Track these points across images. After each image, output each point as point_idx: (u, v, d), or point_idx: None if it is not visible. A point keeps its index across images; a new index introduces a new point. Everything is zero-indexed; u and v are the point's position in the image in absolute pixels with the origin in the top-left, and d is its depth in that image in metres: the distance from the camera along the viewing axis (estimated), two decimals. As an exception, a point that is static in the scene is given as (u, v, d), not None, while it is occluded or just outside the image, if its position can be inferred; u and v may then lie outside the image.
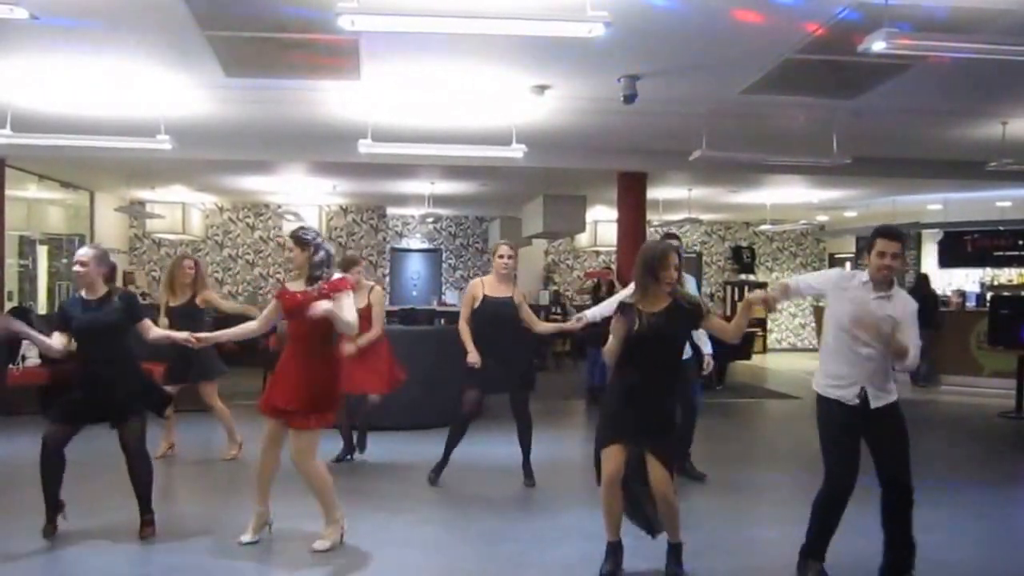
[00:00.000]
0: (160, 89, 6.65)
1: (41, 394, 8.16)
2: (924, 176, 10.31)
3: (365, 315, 5.88)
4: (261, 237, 14.86)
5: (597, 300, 8.87)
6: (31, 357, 8.28)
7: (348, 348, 5.43)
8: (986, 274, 14.11)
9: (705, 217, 15.97)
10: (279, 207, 14.16)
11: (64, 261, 11.87)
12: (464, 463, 6.20)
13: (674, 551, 3.86)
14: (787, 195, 12.55)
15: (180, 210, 13.29)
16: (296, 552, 4.20)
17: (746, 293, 16.65)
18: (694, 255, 17.12)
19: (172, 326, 5.77)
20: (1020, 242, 13.12)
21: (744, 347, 11.39)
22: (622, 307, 3.81)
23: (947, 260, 13.94)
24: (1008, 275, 13.95)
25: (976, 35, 4.82)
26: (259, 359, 9.93)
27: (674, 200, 12.80)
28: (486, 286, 5.46)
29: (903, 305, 3.71)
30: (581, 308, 11.89)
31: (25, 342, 8.27)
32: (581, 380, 10.16)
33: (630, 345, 3.76)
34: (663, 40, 5.45)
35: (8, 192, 9.41)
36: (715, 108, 7.16)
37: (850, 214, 15.24)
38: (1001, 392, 9.83)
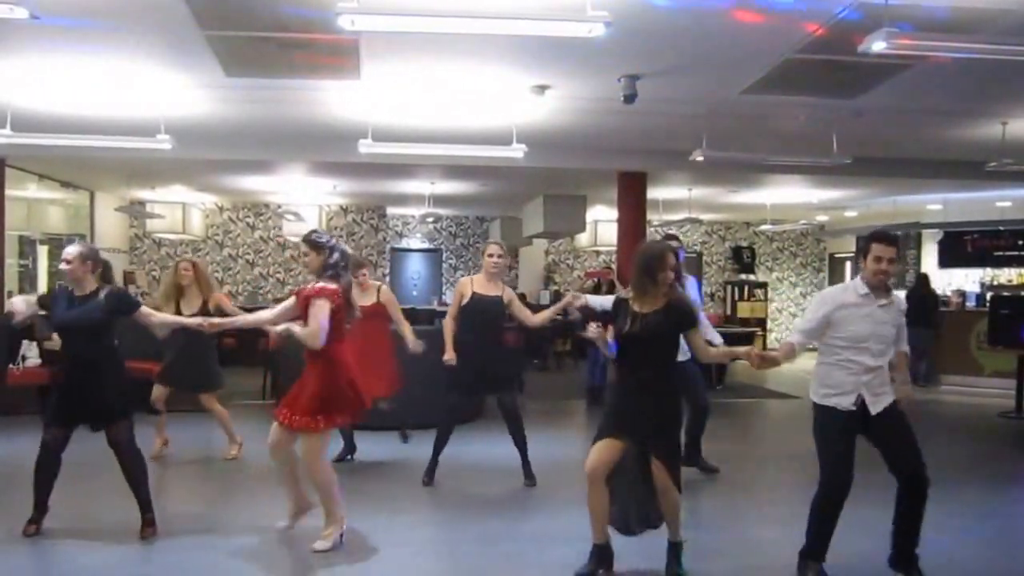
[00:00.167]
0: (160, 89, 6.64)
1: (41, 394, 8.17)
2: (924, 176, 10.30)
3: (372, 311, 5.89)
4: (261, 237, 14.86)
5: (620, 299, 8.85)
6: (31, 357, 8.29)
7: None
8: (986, 274, 14.11)
9: (705, 217, 15.96)
10: (279, 207, 14.15)
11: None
12: (464, 463, 6.21)
13: (675, 550, 3.86)
14: (787, 195, 12.55)
15: (180, 210, 13.29)
16: (296, 552, 4.20)
17: (746, 293, 16.70)
18: (694, 255, 17.11)
19: (184, 334, 5.69)
20: (1020, 242, 13.11)
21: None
22: (617, 305, 3.84)
23: (947, 260, 13.93)
24: (1008, 275, 13.94)
25: (976, 35, 4.82)
26: (259, 359, 9.94)
27: (674, 200, 12.79)
28: (475, 284, 5.46)
29: (900, 307, 3.85)
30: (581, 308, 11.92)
31: (25, 342, 8.30)
32: (581, 380, 10.16)
33: (625, 344, 3.78)
34: (663, 40, 5.45)
35: (8, 192, 9.40)
36: (715, 108, 7.16)
37: (850, 214, 15.24)
38: (1001, 392, 9.83)
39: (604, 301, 5.07)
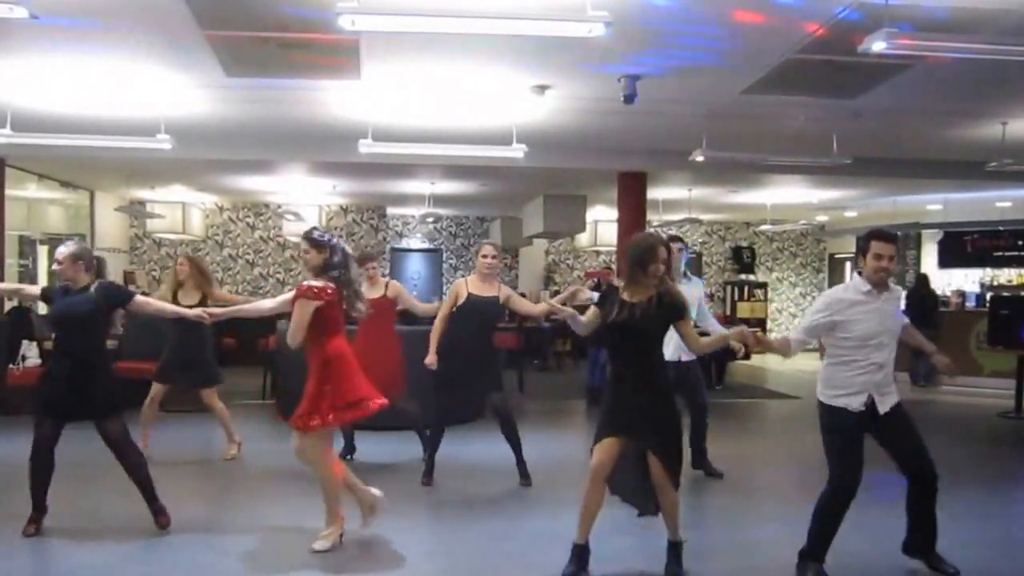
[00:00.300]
0: (160, 89, 6.65)
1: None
2: (924, 176, 10.31)
3: (378, 305, 5.86)
4: (261, 237, 14.86)
5: (611, 287, 8.86)
6: (31, 357, 8.28)
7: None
8: (986, 274, 14.11)
9: (705, 217, 15.97)
10: (279, 207, 14.16)
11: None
12: (463, 463, 6.21)
13: (674, 549, 3.86)
14: (787, 195, 12.55)
15: (180, 210, 13.30)
16: (296, 552, 4.20)
17: (745, 293, 16.72)
18: (694, 255, 17.12)
19: (180, 326, 5.77)
20: (1020, 242, 13.12)
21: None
22: (607, 291, 3.87)
23: (947, 260, 13.94)
24: (1008, 275, 13.95)
25: (976, 35, 4.82)
26: (259, 359, 9.94)
27: (674, 200, 12.80)
28: (470, 285, 5.45)
29: (899, 293, 3.97)
30: (581, 308, 11.91)
31: (25, 342, 8.29)
32: (581, 380, 10.16)
33: (613, 335, 3.80)
34: (663, 40, 5.45)
35: (8, 192, 9.41)
36: (715, 108, 7.16)
37: (850, 214, 15.24)
38: (1001, 392, 9.83)
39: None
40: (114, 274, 13.33)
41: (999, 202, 12.68)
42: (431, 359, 5.37)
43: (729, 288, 17.11)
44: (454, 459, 5.86)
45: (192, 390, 6.38)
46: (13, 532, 4.34)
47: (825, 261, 17.92)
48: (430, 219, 14.74)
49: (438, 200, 13.25)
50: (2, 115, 6.82)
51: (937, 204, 13.57)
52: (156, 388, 6.19)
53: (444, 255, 16.72)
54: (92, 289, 4.36)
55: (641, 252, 3.76)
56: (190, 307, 5.79)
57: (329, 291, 4.09)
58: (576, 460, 6.25)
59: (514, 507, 5.18)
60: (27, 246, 10.88)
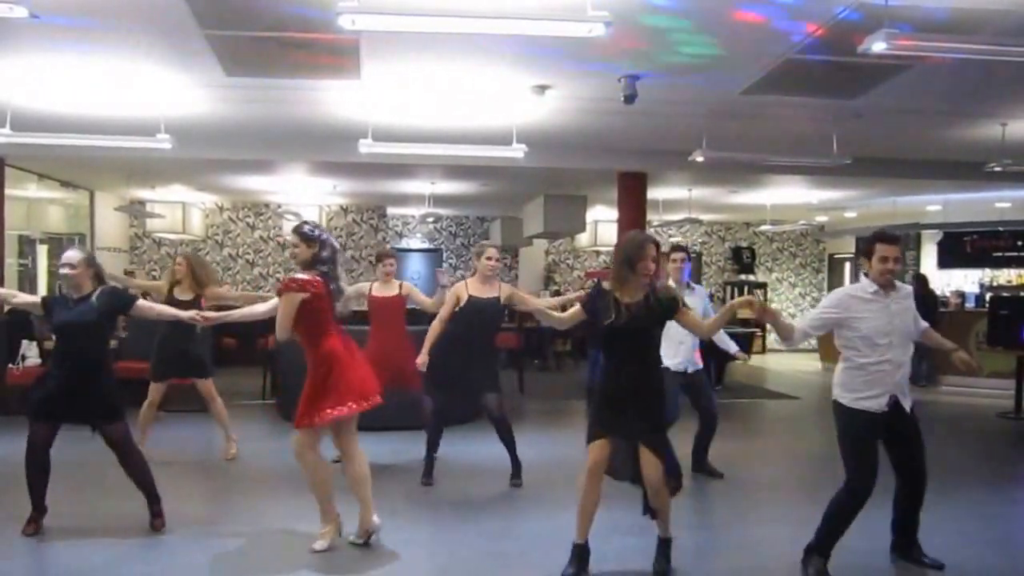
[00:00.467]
0: (160, 89, 6.65)
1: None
2: (924, 177, 10.31)
3: (393, 303, 5.98)
4: (261, 237, 14.86)
5: (599, 285, 8.86)
6: (31, 357, 8.28)
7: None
8: (985, 275, 14.12)
9: (705, 217, 15.97)
10: (279, 207, 14.16)
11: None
12: (462, 463, 6.21)
13: (664, 546, 3.90)
14: (787, 195, 12.55)
15: (180, 209, 13.29)
16: (295, 551, 4.20)
17: (745, 293, 16.74)
18: (694, 255, 17.12)
19: (165, 325, 5.81)
20: (1019, 243, 13.13)
21: (743, 347, 11.39)
22: (596, 291, 3.88)
23: (946, 261, 13.94)
24: (1007, 276, 13.95)
25: (976, 36, 4.83)
26: (259, 359, 9.94)
27: (674, 200, 12.80)
28: (470, 287, 5.46)
29: (908, 291, 3.97)
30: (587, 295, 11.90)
31: (25, 341, 8.29)
32: (581, 380, 10.16)
33: (607, 337, 3.81)
34: (663, 40, 5.45)
35: (8, 191, 9.40)
36: (715, 108, 7.16)
37: (850, 214, 15.24)
38: (1000, 392, 9.84)
39: None
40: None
41: (999, 203, 12.69)
42: (422, 359, 5.38)
43: (729, 288, 17.11)
44: (454, 459, 5.86)
45: (187, 381, 6.38)
46: (13, 532, 4.35)
47: (825, 261, 17.92)
48: (430, 219, 14.74)
49: (438, 200, 13.25)
50: (2, 115, 6.82)
51: (937, 205, 13.58)
52: (154, 390, 6.19)
53: (444, 255, 16.71)
54: (95, 297, 4.37)
55: (629, 250, 3.77)
56: (186, 304, 5.92)
57: (315, 284, 4.06)
58: (576, 460, 6.23)
59: (513, 507, 5.18)
60: (27, 246, 10.88)
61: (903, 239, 15.10)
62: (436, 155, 8.31)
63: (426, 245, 16.69)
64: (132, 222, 14.02)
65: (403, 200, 14.00)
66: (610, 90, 6.36)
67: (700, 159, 7.72)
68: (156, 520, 4.48)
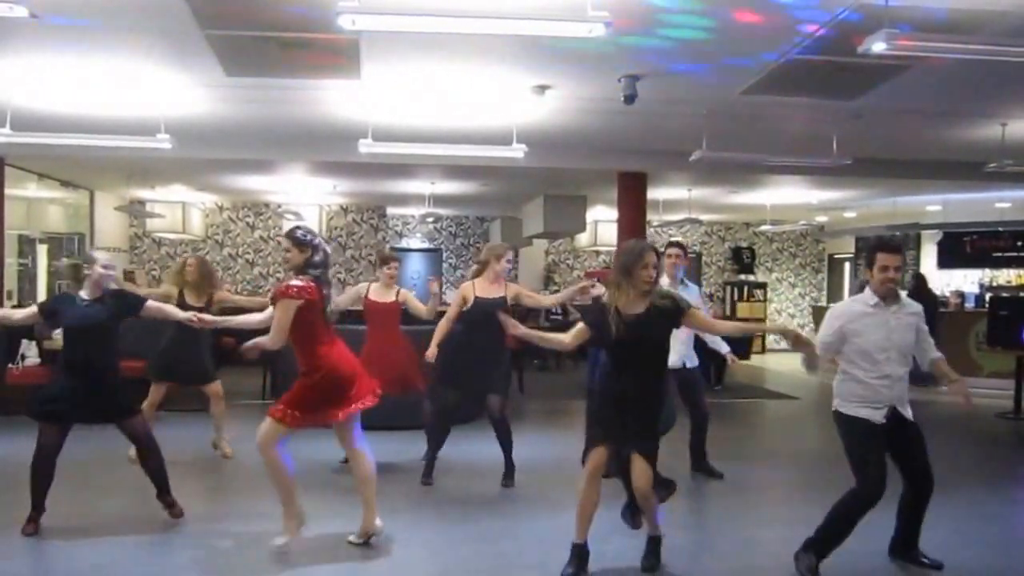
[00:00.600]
0: (160, 88, 6.65)
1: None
2: (924, 177, 10.31)
3: (391, 309, 5.96)
4: (261, 236, 14.86)
5: (597, 300, 8.86)
6: (31, 356, 8.28)
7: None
8: (985, 275, 14.12)
9: (705, 217, 15.98)
10: (279, 207, 14.16)
11: (64, 260, 11.87)
12: (462, 463, 6.21)
13: (653, 543, 3.93)
14: (787, 196, 12.55)
15: (180, 209, 13.29)
16: (294, 551, 4.20)
17: (745, 293, 16.72)
18: (694, 255, 17.13)
19: (177, 325, 5.76)
20: (1019, 243, 13.13)
21: (743, 348, 11.40)
22: (596, 313, 3.82)
23: (946, 261, 13.95)
24: (1007, 276, 13.96)
25: (976, 36, 4.83)
26: (259, 359, 9.93)
27: (674, 200, 12.80)
28: (477, 288, 5.46)
29: (917, 308, 3.95)
30: (581, 308, 11.92)
31: (25, 341, 8.29)
32: (581, 380, 10.16)
33: (612, 348, 3.79)
34: (664, 40, 5.45)
35: (8, 191, 9.40)
36: (715, 108, 7.16)
37: (850, 215, 15.25)
38: (999, 393, 9.83)
39: None
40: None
41: (998, 203, 12.69)
42: (432, 352, 5.38)
43: (729, 288, 17.12)
44: (454, 459, 5.86)
45: (190, 386, 6.39)
46: (13, 532, 4.35)
47: (824, 262, 17.92)
48: (430, 219, 14.75)
49: (438, 200, 13.25)
50: (2, 114, 6.81)
51: (936, 205, 13.58)
52: (155, 390, 6.18)
53: (444, 255, 16.72)
54: (107, 298, 4.44)
55: (628, 258, 3.75)
56: (198, 308, 5.86)
57: (309, 290, 4.06)
58: (575, 460, 6.25)
59: (513, 507, 5.19)
60: (27, 245, 10.88)
61: (904, 246, 15.14)
62: (436, 155, 8.30)
63: (426, 245, 16.69)
64: (132, 222, 14.03)
65: (403, 200, 14.00)
66: (610, 90, 6.36)
67: (700, 159, 7.72)
68: (174, 509, 4.60)
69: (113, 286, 4.57)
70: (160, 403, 6.27)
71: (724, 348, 5.94)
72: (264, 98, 7.08)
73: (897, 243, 3.98)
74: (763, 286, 17.20)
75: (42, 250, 11.29)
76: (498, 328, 5.52)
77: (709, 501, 5.50)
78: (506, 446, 5.58)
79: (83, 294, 4.45)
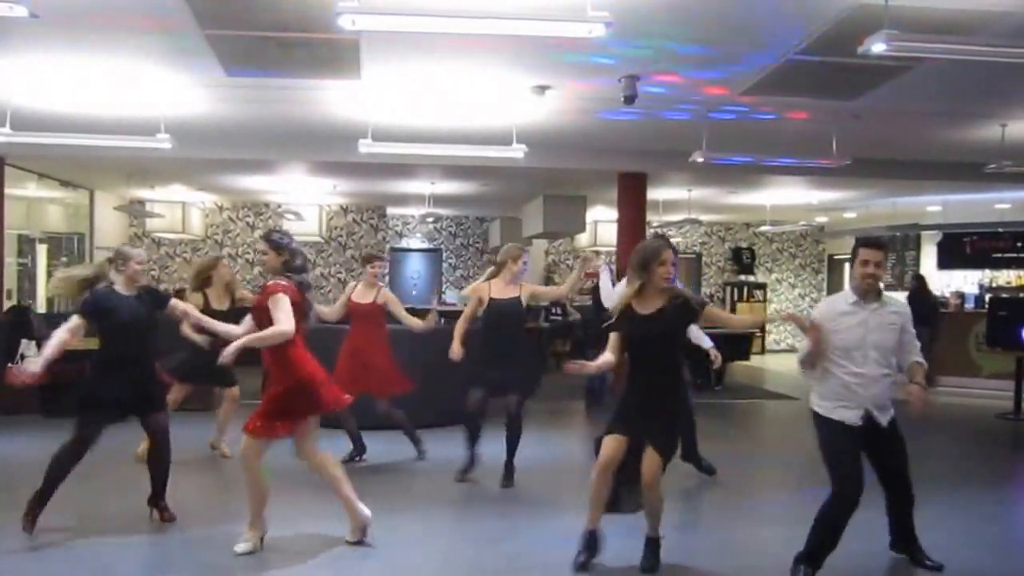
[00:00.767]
0: (160, 88, 6.65)
1: (43, 393, 8.14)
2: (923, 178, 10.31)
3: (370, 310, 5.96)
4: (261, 236, 14.85)
5: (596, 300, 8.87)
6: (30, 356, 8.27)
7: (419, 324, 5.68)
8: (985, 276, 14.12)
9: (705, 218, 15.97)
10: (279, 206, 14.15)
11: (64, 260, 11.88)
12: (462, 463, 6.20)
13: (652, 545, 3.92)
14: (787, 196, 12.55)
15: (180, 209, 13.28)
16: (293, 551, 4.19)
17: (745, 294, 16.68)
18: (694, 256, 17.12)
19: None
20: (1019, 244, 13.13)
21: (743, 348, 11.41)
22: (613, 317, 3.88)
23: (946, 262, 13.94)
24: (1007, 277, 13.96)
25: (976, 37, 4.83)
26: (258, 358, 9.92)
27: (674, 201, 12.80)
28: (493, 289, 5.50)
29: (902, 308, 3.85)
30: (581, 308, 11.91)
31: (24, 341, 8.28)
32: (581, 381, 10.16)
33: (630, 347, 3.84)
34: (664, 40, 5.45)
35: (8, 191, 9.40)
36: (715, 109, 7.16)
37: (850, 215, 15.24)
38: (999, 393, 9.84)
39: (611, 290, 5.19)
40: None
41: (998, 204, 12.69)
42: (456, 350, 5.36)
43: (728, 289, 17.11)
44: (454, 459, 5.86)
45: (212, 386, 6.41)
46: (13, 532, 4.34)
47: (824, 262, 17.92)
48: (430, 219, 14.75)
49: (438, 200, 13.25)
50: (2, 114, 6.81)
51: (936, 206, 13.58)
52: (178, 389, 6.10)
53: (444, 255, 16.72)
54: (142, 294, 4.51)
55: (646, 256, 3.79)
56: (222, 311, 5.95)
57: (293, 291, 4.07)
58: (575, 461, 6.27)
59: (513, 507, 5.18)
60: (26, 245, 10.88)
61: (901, 241, 15.15)
62: (436, 155, 8.31)
63: (426, 245, 16.69)
64: (132, 222, 14.02)
65: (403, 200, 14.00)
66: (610, 90, 6.36)
67: (700, 160, 7.72)
68: (165, 514, 4.58)
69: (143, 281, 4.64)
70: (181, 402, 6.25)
71: (707, 342, 5.82)
72: (264, 98, 7.08)
73: (880, 240, 3.89)
74: (763, 287, 17.20)
75: (42, 250, 11.29)
76: (516, 327, 5.56)
77: (708, 502, 5.50)
78: (512, 446, 5.58)
79: (120, 290, 4.49)
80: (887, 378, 3.75)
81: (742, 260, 17.41)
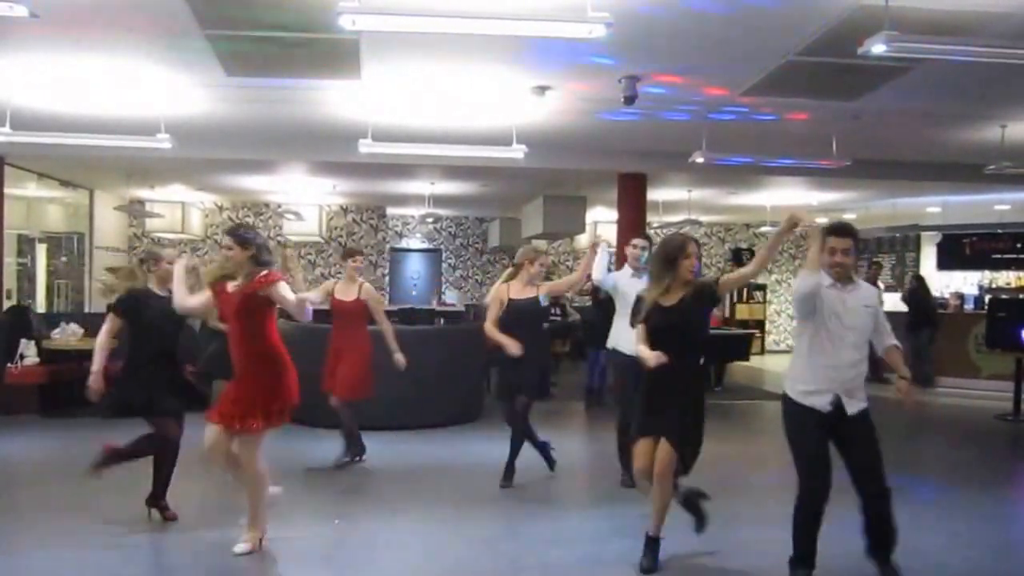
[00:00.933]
0: (160, 88, 6.64)
1: (42, 393, 8.15)
2: (923, 179, 10.31)
3: (351, 308, 5.93)
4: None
5: (596, 301, 8.88)
6: (29, 356, 8.28)
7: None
8: (984, 277, 14.13)
9: (705, 219, 15.97)
10: (279, 207, 14.15)
11: (63, 259, 11.87)
12: (464, 463, 6.21)
13: (652, 545, 3.93)
14: (787, 197, 12.56)
15: (180, 209, 13.29)
16: (292, 551, 4.19)
17: (745, 294, 16.68)
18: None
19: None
20: (1018, 245, 13.15)
21: (742, 348, 11.41)
22: (638, 302, 3.97)
23: (946, 262, 13.96)
24: (1006, 278, 13.98)
25: (976, 38, 4.83)
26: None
27: (674, 201, 12.80)
28: (512, 290, 5.54)
29: (873, 291, 3.85)
30: (581, 309, 11.91)
31: (23, 340, 8.29)
32: (580, 381, 10.16)
33: (651, 337, 3.88)
34: (664, 41, 5.45)
35: (7, 190, 9.39)
36: (715, 109, 7.16)
37: (849, 216, 15.24)
38: (998, 394, 9.83)
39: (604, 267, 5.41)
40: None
41: (998, 205, 12.70)
42: (508, 343, 5.31)
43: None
44: (454, 459, 5.87)
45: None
46: (14, 532, 4.34)
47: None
48: (430, 219, 14.75)
49: (438, 200, 13.25)
50: (2, 114, 6.81)
51: (936, 206, 13.59)
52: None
53: (444, 255, 16.72)
54: (171, 292, 4.49)
55: (671, 250, 3.87)
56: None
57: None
58: (576, 462, 6.27)
59: (515, 508, 5.18)
60: (26, 244, 10.87)
61: (900, 242, 15.16)
62: (436, 155, 8.31)
63: (426, 245, 16.69)
64: (131, 222, 14.01)
65: (403, 200, 14.00)
66: (610, 91, 6.36)
67: (700, 160, 7.72)
68: (167, 512, 4.59)
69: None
70: None
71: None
72: (264, 98, 7.08)
73: (848, 226, 3.79)
74: (763, 287, 17.19)
75: (41, 249, 11.29)
76: (534, 327, 5.58)
77: (708, 502, 5.49)
78: (515, 447, 5.59)
79: (153, 289, 4.53)
80: (860, 364, 3.67)
81: (742, 261, 17.38)
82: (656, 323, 3.85)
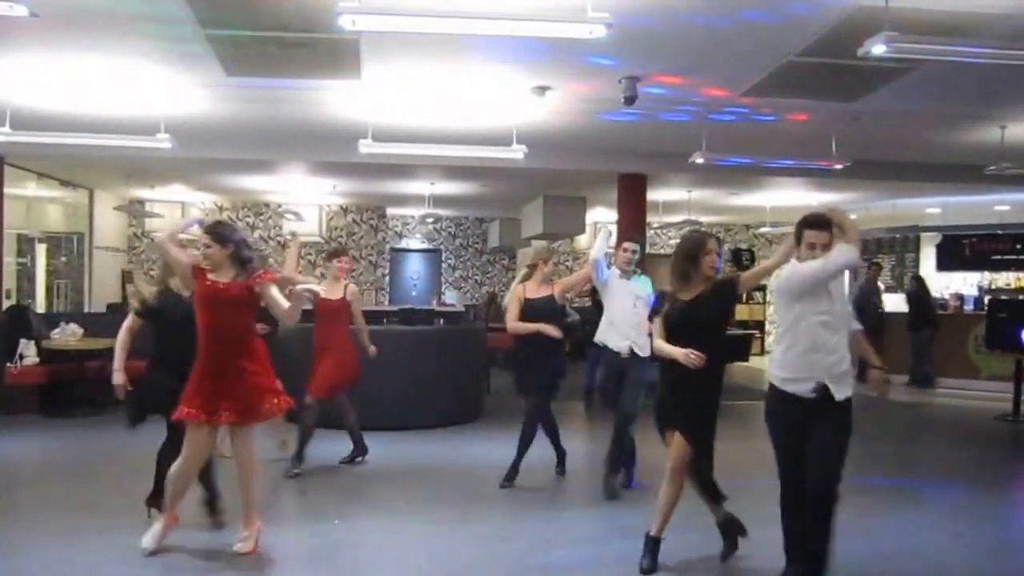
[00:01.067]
0: (160, 88, 6.64)
1: (42, 393, 8.15)
2: (923, 179, 10.32)
3: (336, 307, 5.91)
4: (261, 236, 14.85)
5: (596, 302, 8.87)
6: (29, 355, 8.27)
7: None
8: (984, 277, 14.14)
9: (704, 219, 15.96)
10: (279, 207, 14.16)
11: (63, 259, 11.87)
12: (464, 463, 6.20)
13: (652, 545, 3.93)
14: (787, 197, 12.56)
15: (179, 209, 13.30)
16: (291, 551, 4.19)
17: (745, 294, 16.68)
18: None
19: None
20: (1018, 246, 13.15)
21: (742, 349, 11.41)
22: (658, 297, 4.06)
23: (945, 263, 13.96)
24: (1006, 279, 13.98)
25: (976, 39, 4.83)
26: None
27: (674, 202, 12.81)
28: (528, 290, 5.59)
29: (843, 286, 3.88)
30: (580, 309, 11.91)
31: (23, 340, 8.28)
32: (580, 381, 10.16)
33: (669, 332, 3.90)
34: (664, 41, 5.46)
35: (7, 190, 9.38)
36: (715, 110, 7.16)
37: (850, 217, 15.25)
38: (998, 395, 9.84)
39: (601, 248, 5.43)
40: (112, 274, 13.33)
41: (998, 206, 12.70)
42: (545, 328, 5.38)
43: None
44: (454, 459, 5.86)
45: None
46: (13, 532, 4.34)
47: (824, 263, 17.91)
48: (430, 219, 14.75)
49: (438, 200, 13.25)
50: (2, 113, 6.81)
51: (936, 207, 13.59)
52: None
53: (443, 255, 16.72)
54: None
55: (692, 248, 3.90)
56: None
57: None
58: (575, 462, 6.25)
59: (515, 508, 5.18)
60: (26, 244, 10.87)
61: (900, 243, 15.15)
62: (436, 155, 8.31)
63: (425, 245, 16.69)
64: (131, 222, 14.02)
65: (403, 200, 14.00)
66: (610, 91, 6.36)
67: (700, 161, 7.73)
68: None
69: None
70: None
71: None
72: (264, 98, 7.08)
73: (824, 218, 3.81)
74: (763, 288, 17.17)
75: (41, 249, 11.29)
76: (552, 324, 5.61)
77: (703, 502, 5.48)
78: (522, 448, 5.60)
79: (176, 289, 4.50)
80: (842, 348, 3.62)
81: (742, 261, 17.33)
82: (674, 318, 3.88)
